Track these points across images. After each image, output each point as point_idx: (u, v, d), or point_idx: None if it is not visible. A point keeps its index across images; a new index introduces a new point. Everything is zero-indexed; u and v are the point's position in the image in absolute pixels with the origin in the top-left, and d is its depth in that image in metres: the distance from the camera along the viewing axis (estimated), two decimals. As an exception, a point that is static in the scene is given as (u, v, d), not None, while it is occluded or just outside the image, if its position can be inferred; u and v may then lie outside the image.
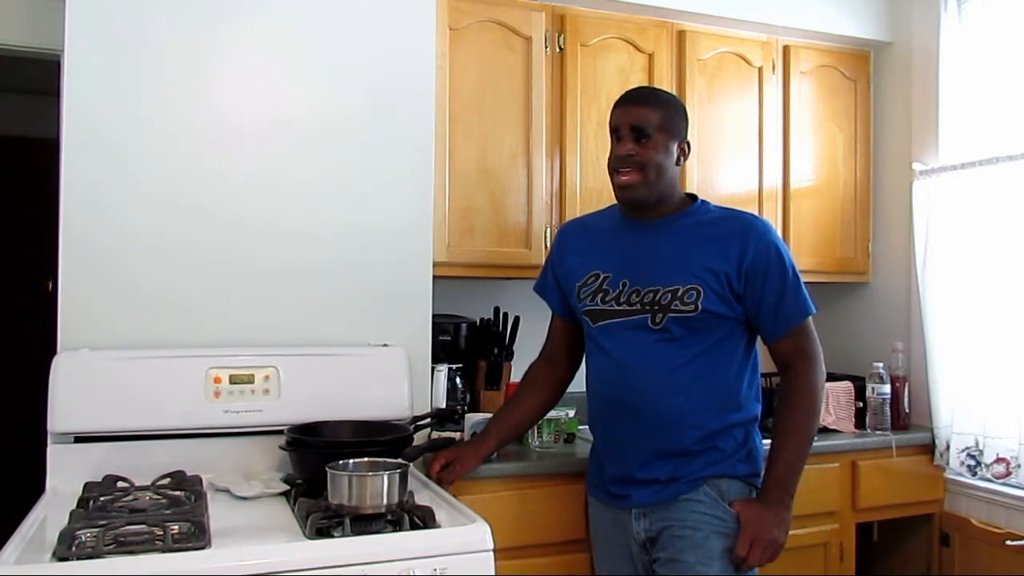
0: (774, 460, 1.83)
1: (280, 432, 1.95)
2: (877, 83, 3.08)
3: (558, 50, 2.60)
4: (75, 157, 2.01)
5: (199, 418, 1.98)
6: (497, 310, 2.63)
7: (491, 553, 1.59)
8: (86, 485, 1.82)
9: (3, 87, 4.23)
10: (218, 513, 1.66)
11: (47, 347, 2.01)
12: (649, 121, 1.85)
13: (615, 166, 1.89)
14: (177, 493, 1.76)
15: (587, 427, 2.04)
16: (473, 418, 2.28)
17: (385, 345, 2.20)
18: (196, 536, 1.48)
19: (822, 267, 2.94)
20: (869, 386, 2.70)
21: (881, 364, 2.71)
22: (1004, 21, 2.62)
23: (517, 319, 2.60)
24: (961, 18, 2.74)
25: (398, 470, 1.63)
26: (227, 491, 1.86)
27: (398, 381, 2.14)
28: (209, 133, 2.11)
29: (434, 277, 2.32)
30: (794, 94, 2.91)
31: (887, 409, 2.69)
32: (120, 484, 1.83)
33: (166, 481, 1.87)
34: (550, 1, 2.60)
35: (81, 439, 1.92)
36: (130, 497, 1.75)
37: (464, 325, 2.56)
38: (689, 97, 2.70)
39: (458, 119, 2.47)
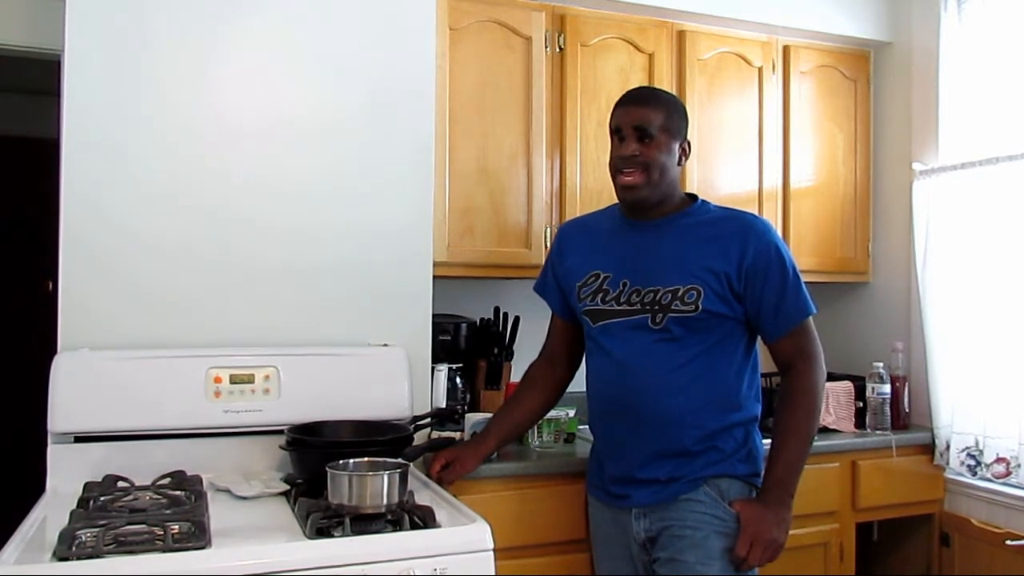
0: (774, 460, 1.83)
1: (280, 432, 1.95)
2: (877, 83, 3.08)
3: (558, 50, 2.59)
4: (75, 157, 2.01)
5: (199, 418, 1.98)
6: (497, 310, 2.63)
7: (491, 553, 1.59)
8: (86, 485, 1.82)
9: (3, 87, 4.23)
10: (218, 513, 1.66)
11: (47, 347, 2.01)
12: (652, 121, 1.84)
13: (618, 166, 1.88)
14: (177, 493, 1.76)
15: (587, 427, 2.05)
16: (473, 418, 2.28)
17: (385, 345, 2.20)
18: (196, 536, 1.48)
19: (822, 267, 2.94)
20: (869, 386, 2.70)
21: (881, 364, 2.71)
22: (1004, 21, 2.62)
23: (517, 319, 2.60)
24: (961, 18, 2.73)
25: (398, 470, 1.63)
26: (227, 491, 1.86)
27: (398, 381, 2.14)
28: (209, 133, 2.11)
29: (434, 277, 2.32)
30: (794, 94, 2.91)
31: (887, 409, 2.69)
32: (120, 484, 1.83)
33: (166, 481, 1.87)
34: (550, 1, 2.60)
35: (81, 439, 1.92)
36: (130, 497, 1.75)
37: (464, 325, 2.56)
38: (689, 97, 2.70)
39: (458, 119, 2.46)
